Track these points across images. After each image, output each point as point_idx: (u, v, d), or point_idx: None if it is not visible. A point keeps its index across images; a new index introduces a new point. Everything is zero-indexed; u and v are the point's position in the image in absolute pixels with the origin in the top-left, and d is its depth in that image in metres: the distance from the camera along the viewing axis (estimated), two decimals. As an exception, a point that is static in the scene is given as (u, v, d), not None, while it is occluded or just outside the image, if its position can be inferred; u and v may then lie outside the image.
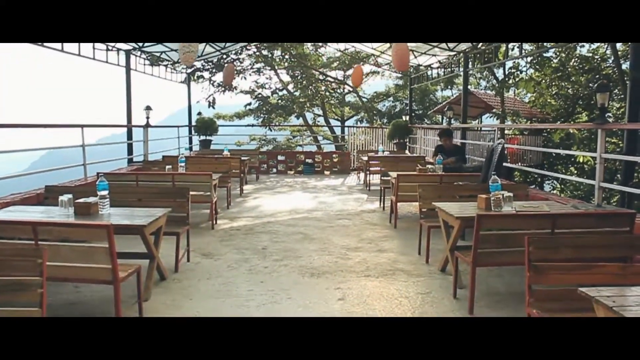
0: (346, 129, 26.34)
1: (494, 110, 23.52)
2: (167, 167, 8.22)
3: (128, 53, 11.01)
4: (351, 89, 26.45)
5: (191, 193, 7.39)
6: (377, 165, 11.37)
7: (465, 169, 8.79)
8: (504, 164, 7.83)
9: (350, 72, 25.60)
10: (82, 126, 7.68)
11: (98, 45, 9.78)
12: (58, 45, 7.73)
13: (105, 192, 4.70)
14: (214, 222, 7.67)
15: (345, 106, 27.24)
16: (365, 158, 12.19)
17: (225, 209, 9.17)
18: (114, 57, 10.65)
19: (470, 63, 13.44)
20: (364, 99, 26.84)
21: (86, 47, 9.32)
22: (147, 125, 11.10)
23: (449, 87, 27.91)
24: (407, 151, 15.30)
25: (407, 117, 16.52)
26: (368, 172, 11.92)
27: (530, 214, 4.36)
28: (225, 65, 14.39)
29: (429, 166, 8.60)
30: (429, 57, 13.74)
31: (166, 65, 14.10)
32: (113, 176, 7.36)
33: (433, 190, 6.26)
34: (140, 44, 10.43)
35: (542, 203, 5.24)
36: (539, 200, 6.13)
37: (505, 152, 7.16)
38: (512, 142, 20.82)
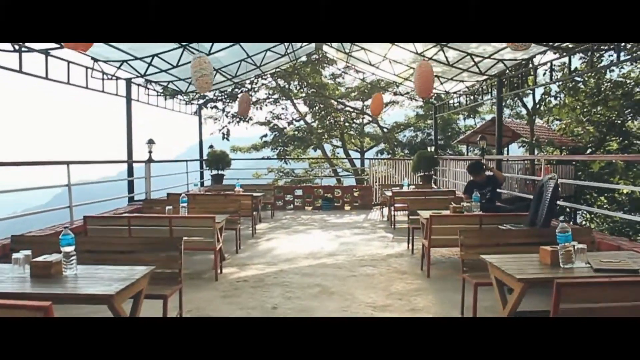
0: (366, 160, 25.37)
1: (521, 138, 22.39)
2: (168, 208, 7.25)
3: (129, 82, 10.19)
4: (371, 119, 25.55)
5: (192, 239, 6.49)
6: (403, 202, 10.33)
7: (507, 209, 7.73)
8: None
9: (369, 101, 24.74)
10: (67, 163, 6.78)
11: (96, 74, 9.01)
12: (42, 72, 6.93)
13: (70, 249, 3.73)
14: (219, 272, 6.68)
15: (365, 137, 26.27)
16: (389, 193, 11.16)
17: (234, 253, 8.18)
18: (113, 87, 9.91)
19: (474, 97, 12.49)
20: (385, 129, 25.82)
21: (78, 75, 8.56)
22: (150, 161, 10.16)
23: (472, 115, 26.92)
24: (433, 184, 14.23)
25: (433, 148, 15.45)
26: (393, 209, 10.86)
27: (627, 280, 3.25)
28: (240, 94, 13.49)
29: (464, 204, 7.52)
30: (455, 83, 12.77)
31: (173, 96, 13.30)
32: (101, 220, 6.43)
33: (477, 236, 5.17)
34: (142, 72, 9.63)
35: (622, 255, 4.14)
36: (609, 249, 5.03)
37: (560, 189, 6.04)
38: (540, 174, 19.63)
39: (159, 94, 12.17)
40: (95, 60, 9.04)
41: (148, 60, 9.29)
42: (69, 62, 8.03)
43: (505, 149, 24.07)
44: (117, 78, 9.72)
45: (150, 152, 10.16)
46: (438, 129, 23.45)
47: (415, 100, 19.30)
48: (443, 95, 15.21)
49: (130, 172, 10.21)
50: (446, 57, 9.98)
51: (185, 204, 7.15)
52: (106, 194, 10.09)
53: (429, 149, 15.39)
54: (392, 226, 10.83)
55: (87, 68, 8.74)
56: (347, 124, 24.84)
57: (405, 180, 12.53)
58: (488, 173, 8.24)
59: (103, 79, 9.15)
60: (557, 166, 19.67)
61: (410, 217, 8.45)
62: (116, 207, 9.05)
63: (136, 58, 9.21)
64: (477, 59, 9.93)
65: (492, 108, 28.13)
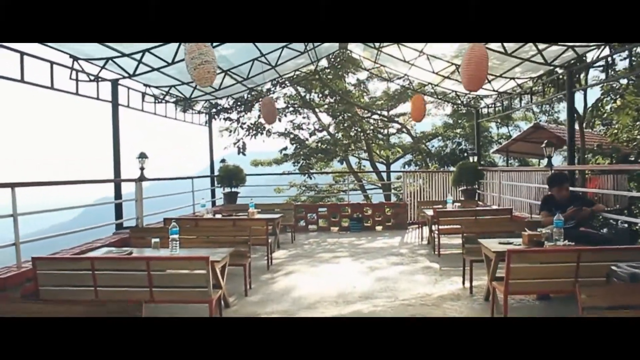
0: (394, 173, 23.41)
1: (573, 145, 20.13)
2: (154, 240, 5.53)
3: (115, 83, 8.48)
4: (399, 128, 23.62)
5: (180, 289, 4.79)
6: (450, 223, 8.49)
7: (604, 237, 5.87)
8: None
9: (398, 109, 22.86)
10: (12, 185, 5.11)
11: (74, 74, 7.39)
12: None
13: None
14: (218, 329, 4.91)
15: (394, 148, 24.30)
16: (431, 212, 9.31)
17: (243, 295, 6.43)
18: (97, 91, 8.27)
19: (530, 97, 10.65)
20: (415, 139, 23.80)
21: (41, 73, 6.87)
22: (141, 179, 8.36)
23: (505, 123, 24.88)
24: (477, 200, 12.33)
25: (476, 158, 13.50)
26: (436, 232, 8.99)
27: None
28: (261, 99, 11.64)
29: (542, 230, 5.67)
30: (505, 80, 10.87)
31: (178, 103, 11.63)
32: (55, 263, 4.71)
33: (606, 295, 3.31)
34: (131, 72, 7.96)
35: None
36: None
37: None
38: (590, 185, 17.53)
39: (159, 100, 10.50)
40: (75, 58, 7.44)
41: (137, 57, 7.63)
42: (22, 53, 6.26)
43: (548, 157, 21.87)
44: (101, 79, 8.01)
45: (142, 168, 8.30)
46: (469, 137, 21.43)
47: (449, 102, 17.26)
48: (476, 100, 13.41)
49: (117, 193, 8.44)
50: (503, 46, 8.08)
51: (175, 235, 5.39)
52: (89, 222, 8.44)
53: (471, 159, 13.36)
54: (436, 252, 8.97)
55: (51, 63, 7.04)
56: (373, 134, 22.92)
57: (449, 196, 10.61)
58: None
59: (77, 79, 7.46)
60: (607, 176, 17.48)
61: (467, 245, 6.61)
62: (96, 239, 7.32)
63: (123, 55, 7.55)
64: (541, 46, 8.02)
65: (526, 114, 25.95)
